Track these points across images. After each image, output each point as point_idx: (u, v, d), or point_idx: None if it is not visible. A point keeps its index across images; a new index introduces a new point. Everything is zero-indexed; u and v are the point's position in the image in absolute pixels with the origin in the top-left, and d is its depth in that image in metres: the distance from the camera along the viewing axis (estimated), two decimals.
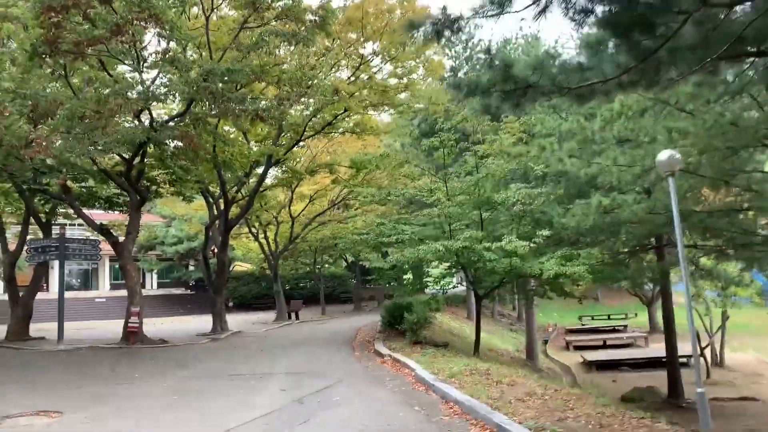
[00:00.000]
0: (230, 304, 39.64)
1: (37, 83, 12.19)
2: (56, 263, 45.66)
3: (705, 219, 13.85)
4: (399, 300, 16.97)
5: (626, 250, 17.17)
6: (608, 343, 32.82)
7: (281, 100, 13.83)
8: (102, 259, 46.71)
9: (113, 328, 19.69)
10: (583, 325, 39.30)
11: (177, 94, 13.19)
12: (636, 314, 39.39)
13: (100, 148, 13.99)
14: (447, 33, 5.78)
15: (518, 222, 14.88)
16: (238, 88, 13.42)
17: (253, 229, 31.02)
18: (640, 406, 13.49)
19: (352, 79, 18.24)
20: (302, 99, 14.13)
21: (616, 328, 37.77)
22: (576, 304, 23.68)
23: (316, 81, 14.05)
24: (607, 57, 5.95)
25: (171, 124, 15.76)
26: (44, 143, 11.76)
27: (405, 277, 19.24)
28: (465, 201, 14.95)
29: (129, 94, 12.12)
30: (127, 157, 17.21)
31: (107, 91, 11.74)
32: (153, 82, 12.69)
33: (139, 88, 11.86)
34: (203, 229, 39.56)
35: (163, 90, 13.07)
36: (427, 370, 10.91)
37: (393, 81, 18.70)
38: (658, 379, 20.57)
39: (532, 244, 13.18)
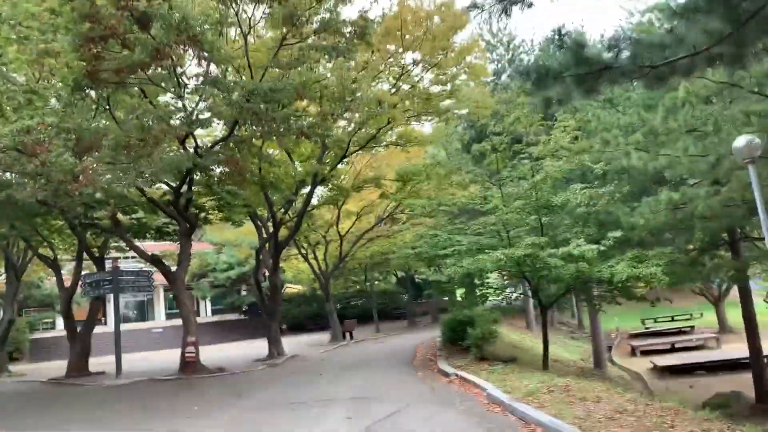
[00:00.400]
0: (283, 326, 39.40)
1: (80, 116, 12.06)
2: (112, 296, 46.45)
3: None
4: (458, 314, 16.18)
5: (698, 247, 16.02)
6: (677, 346, 31.15)
7: (325, 115, 13.38)
8: (156, 290, 47.32)
9: (170, 357, 19.51)
10: (647, 328, 37.54)
11: (220, 117, 12.88)
12: (701, 314, 37.42)
13: (147, 176, 13.78)
14: (516, 6, 5.13)
15: (582, 225, 13.98)
16: (281, 107, 13.03)
17: (303, 250, 30.70)
18: (726, 414, 12.36)
19: (394, 90, 17.72)
20: (346, 113, 13.64)
21: (683, 329, 35.94)
22: (636, 307, 22.31)
23: (359, 94, 13.56)
24: (699, 24, 5.20)
25: (216, 149, 15.50)
26: (91, 175, 11.58)
27: (459, 291, 18.47)
28: (523, 206, 14.15)
29: (172, 121, 11.84)
30: (174, 185, 17.04)
31: (150, 117, 11.50)
32: (196, 106, 12.42)
33: (182, 114, 11.57)
34: (253, 254, 39.72)
35: (206, 114, 12.80)
36: (501, 389, 10.12)
37: (436, 89, 18.09)
38: (741, 383, 19.15)
39: (602, 247, 12.26)
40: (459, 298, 17.75)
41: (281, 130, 12.58)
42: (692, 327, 35.94)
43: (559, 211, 14.73)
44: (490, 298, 20.14)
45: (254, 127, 13.50)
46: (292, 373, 16.51)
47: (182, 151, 15.07)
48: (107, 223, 19.14)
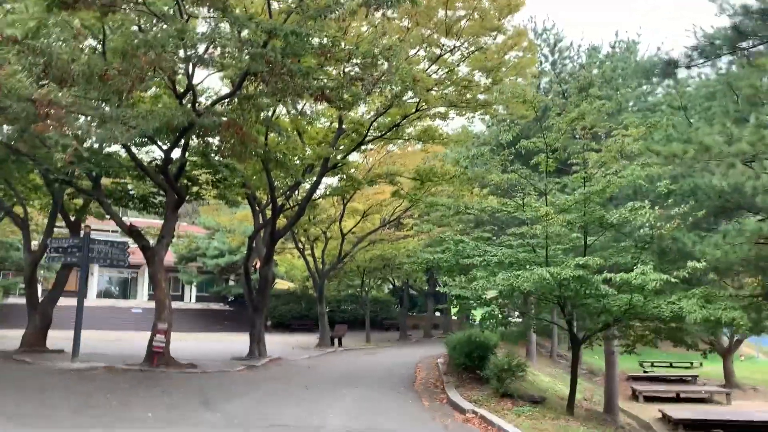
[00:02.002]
0: (268, 323, 36.69)
1: (56, 38, 9.58)
2: (96, 268, 43.56)
3: None
4: (476, 336, 13.61)
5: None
6: (682, 395, 28.66)
7: (352, 79, 10.89)
8: (141, 268, 44.65)
9: (144, 341, 16.96)
10: (645, 372, 35.13)
11: (225, 59, 10.34)
12: (701, 363, 34.96)
13: (131, 127, 11.20)
14: None
15: (641, 249, 11.44)
16: (299, 61, 10.54)
17: (300, 244, 28.09)
18: None
19: (429, 73, 15.24)
20: (378, 83, 11.13)
21: (684, 378, 33.48)
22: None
23: (394, 62, 11.07)
24: None
25: (217, 108, 12.97)
26: (57, 112, 9.09)
27: (475, 311, 15.80)
28: (572, 220, 11.62)
29: (164, 53, 9.31)
30: (165, 147, 14.52)
31: (136, 41, 9.01)
32: (198, 39, 9.87)
33: (176, 42, 9.05)
34: (246, 242, 37.17)
35: (210, 48, 10.25)
36: None
37: (476, 76, 15.60)
38: None
39: (672, 279, 9.74)
40: (478, 317, 15.06)
41: (299, 87, 10.09)
42: (695, 377, 33.42)
43: (612, 231, 12.22)
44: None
45: (265, 85, 10.97)
46: (274, 380, 13.88)
47: (178, 104, 12.54)
48: (88, 185, 16.58)
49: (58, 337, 19.92)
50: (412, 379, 15.29)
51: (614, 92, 16.08)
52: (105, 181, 18.61)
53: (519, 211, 12.78)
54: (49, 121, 10.07)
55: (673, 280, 9.84)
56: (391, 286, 45.81)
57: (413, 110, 16.58)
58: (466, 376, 13.56)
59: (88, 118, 11.05)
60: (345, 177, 18.52)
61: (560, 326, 14.63)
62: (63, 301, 26.14)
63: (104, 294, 45.26)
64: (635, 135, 12.36)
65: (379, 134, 17.67)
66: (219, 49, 10.03)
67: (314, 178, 18.67)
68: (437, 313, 45.76)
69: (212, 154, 15.56)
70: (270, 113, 13.51)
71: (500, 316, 12.97)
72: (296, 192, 20.22)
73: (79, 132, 10.71)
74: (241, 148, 13.28)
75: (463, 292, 12.24)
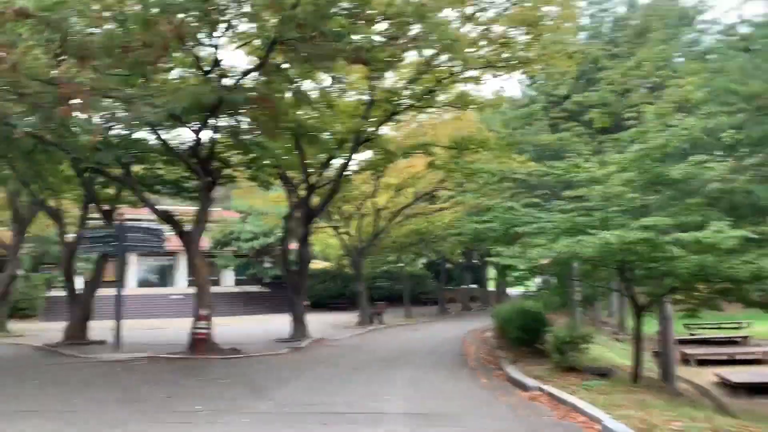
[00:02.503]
0: (306, 303, 36.46)
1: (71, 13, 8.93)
2: (134, 258, 43.73)
3: None
4: (534, 307, 12.84)
5: None
6: (737, 357, 27.47)
7: (390, 39, 10.06)
8: (178, 255, 44.73)
9: (185, 327, 16.66)
10: (692, 335, 33.89)
11: (255, 20, 9.57)
12: (748, 324, 33.53)
13: (158, 107, 10.61)
14: None
15: (708, 206, 10.47)
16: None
17: (334, 223, 27.49)
18: None
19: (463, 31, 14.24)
20: (414, 43, 10.27)
21: (733, 339, 32.16)
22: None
23: (430, 21, 10.18)
24: None
25: (246, 83, 12.26)
26: (77, 89, 8.49)
27: (527, 282, 14.97)
28: (633, 179, 10.68)
29: (187, 17, 8.60)
30: (194, 128, 13.92)
31: (156, 10, 8.31)
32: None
33: (199, 3, 8.31)
34: (280, 224, 36.67)
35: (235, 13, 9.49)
36: (625, 424, 6.81)
37: (513, 32, 14.53)
38: None
39: (753, 235, 8.80)
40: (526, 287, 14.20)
41: (332, 49, 9.30)
42: (746, 337, 32.08)
43: (673, 189, 11.25)
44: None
45: (295, 53, 10.20)
46: (320, 363, 13.34)
47: (205, 81, 11.85)
48: (118, 172, 16.12)
49: (100, 328, 19.77)
50: (463, 355, 14.63)
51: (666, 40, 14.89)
52: (136, 168, 18.20)
53: (571, 173, 11.89)
54: (72, 103, 9.53)
55: (753, 236, 8.90)
56: (425, 261, 45.14)
57: (447, 75, 15.64)
58: (520, 350, 12.83)
59: (113, 101, 10.48)
60: (378, 150, 17.71)
61: (620, 292, 13.71)
62: (104, 292, 26.17)
63: (144, 283, 45.55)
64: (693, 84, 11.31)
65: (413, 103, 16.78)
66: (247, 8, 9.19)
67: (347, 154, 17.93)
68: (472, 286, 45.09)
69: (243, 134, 14.91)
70: (300, 84, 12.73)
71: (557, 285, 12.20)
72: (329, 169, 19.49)
73: (105, 114, 10.11)
74: (273, 124, 12.61)
75: (517, 262, 11.45)
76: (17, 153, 13.36)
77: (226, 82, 11.96)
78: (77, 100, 9.33)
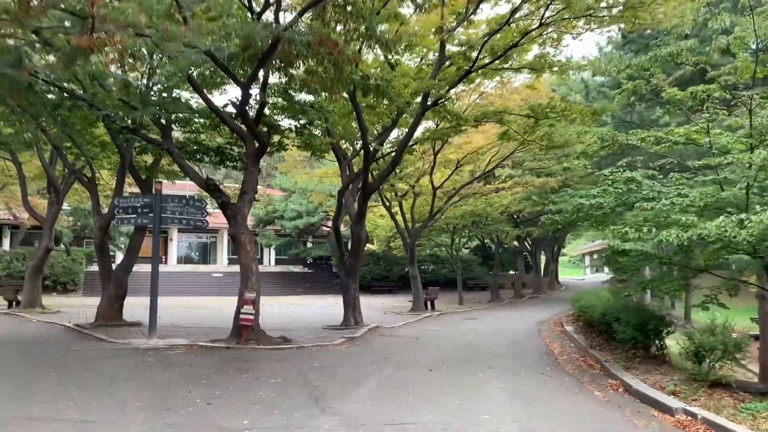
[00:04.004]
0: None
1: None
2: (174, 234, 42.50)
3: None
4: (639, 302, 10.42)
5: None
6: None
7: None
8: (219, 233, 43.32)
9: (227, 308, 14.90)
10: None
11: None
12: None
13: (200, 49, 8.51)
14: None
15: None
16: None
17: (386, 201, 25.28)
18: None
19: None
20: None
21: None
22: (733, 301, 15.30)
23: None
24: None
25: (304, 23, 10.05)
26: (113, 34, 6.51)
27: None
28: None
29: None
30: (242, 80, 11.78)
31: None
32: None
33: None
34: (325, 202, 34.69)
35: None
36: None
37: None
38: None
39: None
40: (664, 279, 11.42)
41: None
42: None
43: None
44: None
45: None
46: (384, 361, 11.16)
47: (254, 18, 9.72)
48: (155, 133, 14.22)
49: (139, 305, 18.14)
50: (549, 353, 12.29)
51: None
52: (176, 135, 16.32)
53: (700, 139, 9.36)
54: (99, 38, 7.50)
55: None
56: (473, 245, 42.67)
57: (533, 26, 13.16)
58: (625, 352, 10.41)
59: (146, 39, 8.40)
60: (447, 116, 15.30)
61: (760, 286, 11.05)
62: (143, 267, 24.61)
63: (184, 260, 44.37)
64: None
65: (491, 60, 14.32)
66: None
67: (410, 121, 15.61)
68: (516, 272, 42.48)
69: (295, 89, 12.75)
70: (371, 23, 10.40)
71: (679, 275, 9.74)
72: (388, 137, 17.24)
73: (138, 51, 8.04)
74: (336, 74, 10.35)
75: (638, 246, 9.03)
76: (42, 108, 11.46)
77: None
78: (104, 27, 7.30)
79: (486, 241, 40.18)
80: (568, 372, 10.13)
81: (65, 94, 11.67)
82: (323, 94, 13.45)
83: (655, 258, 9.26)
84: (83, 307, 21.06)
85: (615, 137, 10.42)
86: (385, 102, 14.44)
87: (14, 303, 20.49)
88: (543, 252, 44.98)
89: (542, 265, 45.41)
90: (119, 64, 10.75)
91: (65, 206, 29.73)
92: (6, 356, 10.95)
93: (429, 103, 14.72)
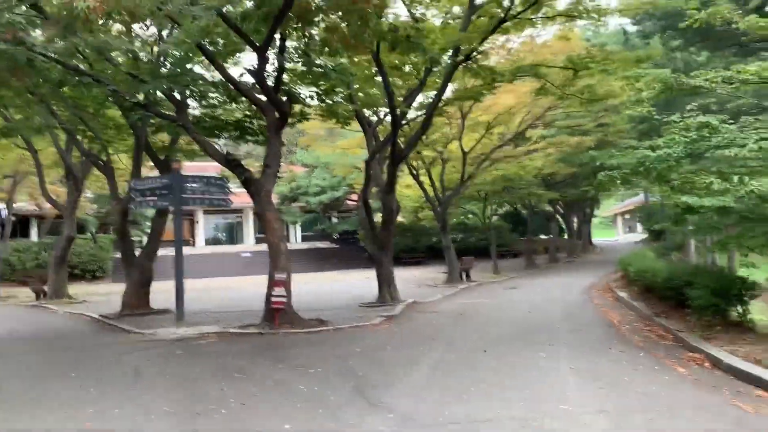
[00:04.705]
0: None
1: None
2: (200, 216, 42.01)
3: None
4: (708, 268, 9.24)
5: None
6: None
7: None
8: (244, 212, 42.67)
9: (257, 289, 14.17)
10: None
11: None
12: None
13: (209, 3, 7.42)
14: None
15: None
16: None
17: (413, 170, 24.16)
18: None
19: None
20: None
21: None
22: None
23: None
24: None
25: None
26: None
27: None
28: None
29: None
30: (257, 44, 10.67)
31: None
32: None
33: None
34: (350, 174, 33.60)
35: None
36: None
37: None
38: None
39: None
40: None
41: None
42: None
43: None
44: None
45: None
46: (431, 341, 10.18)
47: None
48: (170, 108, 13.24)
49: (167, 291, 17.40)
50: (610, 324, 11.18)
51: None
52: (192, 111, 15.34)
53: None
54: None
55: None
56: (502, 210, 41.35)
57: None
58: (699, 319, 9.25)
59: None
60: (480, 72, 14.02)
61: None
62: (172, 252, 23.96)
63: (212, 241, 43.92)
64: None
65: (524, 8, 12.97)
66: None
67: (439, 80, 14.37)
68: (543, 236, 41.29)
69: (316, 52, 11.60)
70: None
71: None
72: (415, 99, 16.02)
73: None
74: (361, 29, 9.19)
75: (716, 201, 7.84)
76: (44, 85, 10.54)
77: None
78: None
79: (518, 206, 38.83)
80: (637, 345, 9.03)
81: (69, 71, 10.70)
82: (344, 58, 12.38)
83: (736, 213, 8.04)
84: (111, 294, 20.52)
85: (679, 78, 9.13)
86: (414, 58, 13.25)
87: (42, 294, 20.01)
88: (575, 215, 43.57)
89: (574, 228, 44.00)
90: (126, 29, 9.72)
91: (89, 194, 29.21)
92: (27, 354, 10.23)
93: (460, 58, 13.47)
